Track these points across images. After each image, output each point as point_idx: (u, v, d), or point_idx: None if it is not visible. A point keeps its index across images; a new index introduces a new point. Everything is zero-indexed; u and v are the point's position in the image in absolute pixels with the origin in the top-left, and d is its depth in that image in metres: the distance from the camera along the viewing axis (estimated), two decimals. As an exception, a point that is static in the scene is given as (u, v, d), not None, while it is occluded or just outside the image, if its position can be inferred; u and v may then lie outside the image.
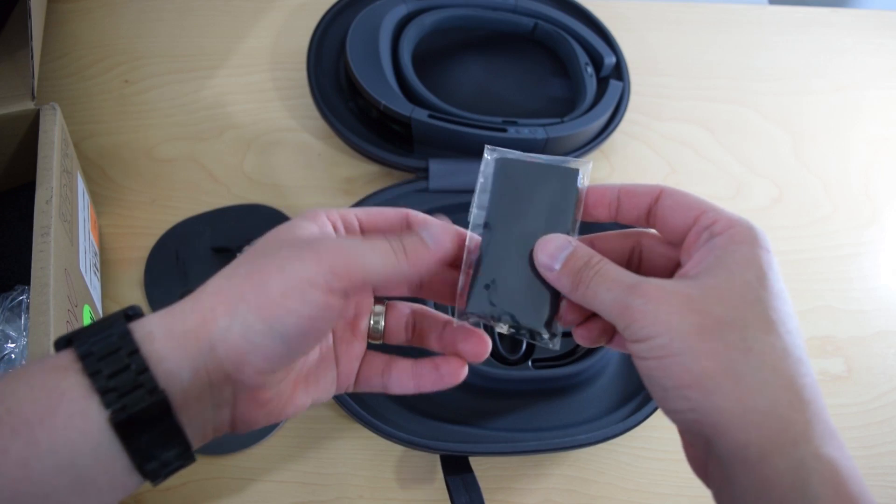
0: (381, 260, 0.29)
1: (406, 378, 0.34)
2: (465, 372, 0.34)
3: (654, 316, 0.28)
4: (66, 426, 0.24)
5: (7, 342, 0.48)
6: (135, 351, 0.25)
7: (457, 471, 0.49)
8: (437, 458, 0.51)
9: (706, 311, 0.27)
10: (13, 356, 0.48)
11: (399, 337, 0.35)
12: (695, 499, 0.53)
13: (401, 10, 0.66)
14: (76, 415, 0.24)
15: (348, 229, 0.32)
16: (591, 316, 0.32)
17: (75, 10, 0.71)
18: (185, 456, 0.27)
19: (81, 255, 0.50)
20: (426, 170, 0.61)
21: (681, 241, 0.31)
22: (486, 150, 0.34)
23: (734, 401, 0.26)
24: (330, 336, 0.34)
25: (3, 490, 0.23)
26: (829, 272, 0.65)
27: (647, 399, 0.53)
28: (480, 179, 0.33)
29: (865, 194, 0.70)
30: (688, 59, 0.76)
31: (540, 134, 0.61)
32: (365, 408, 0.50)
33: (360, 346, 0.35)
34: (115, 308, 0.56)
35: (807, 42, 0.79)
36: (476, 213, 0.33)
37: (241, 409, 0.29)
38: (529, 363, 0.53)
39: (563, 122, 0.62)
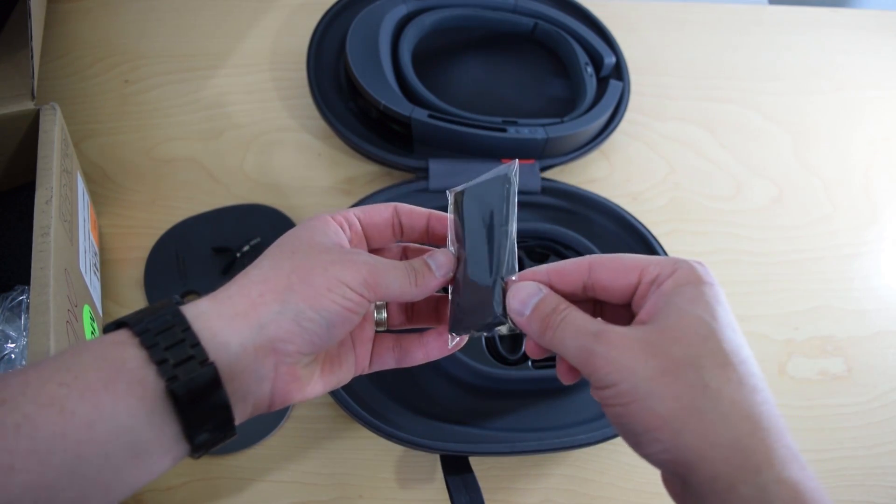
0: (398, 282, 0.33)
1: (415, 349, 0.37)
2: (465, 338, 0.36)
3: (616, 362, 0.29)
4: (127, 392, 0.26)
5: (7, 342, 0.48)
6: (187, 328, 0.28)
7: (457, 471, 0.49)
8: (437, 458, 0.51)
9: (664, 354, 0.29)
10: (13, 356, 0.48)
11: (400, 320, 0.39)
12: (695, 499, 0.53)
13: (401, 10, 0.66)
14: (135, 382, 0.26)
15: (352, 229, 0.35)
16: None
17: (75, 10, 0.71)
18: (227, 427, 0.29)
19: (81, 255, 0.50)
20: (426, 170, 0.61)
21: (628, 301, 0.33)
22: (447, 194, 0.37)
23: (700, 437, 0.28)
24: None
25: (69, 449, 0.25)
26: (829, 272, 0.65)
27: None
28: (450, 216, 0.36)
29: (865, 194, 0.70)
30: (688, 59, 0.76)
31: (540, 134, 0.61)
32: (365, 408, 0.50)
33: (370, 329, 0.37)
34: (115, 308, 0.56)
35: (807, 42, 0.79)
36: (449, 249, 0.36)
37: (279, 384, 0.31)
38: (529, 363, 0.53)
39: (563, 122, 0.62)
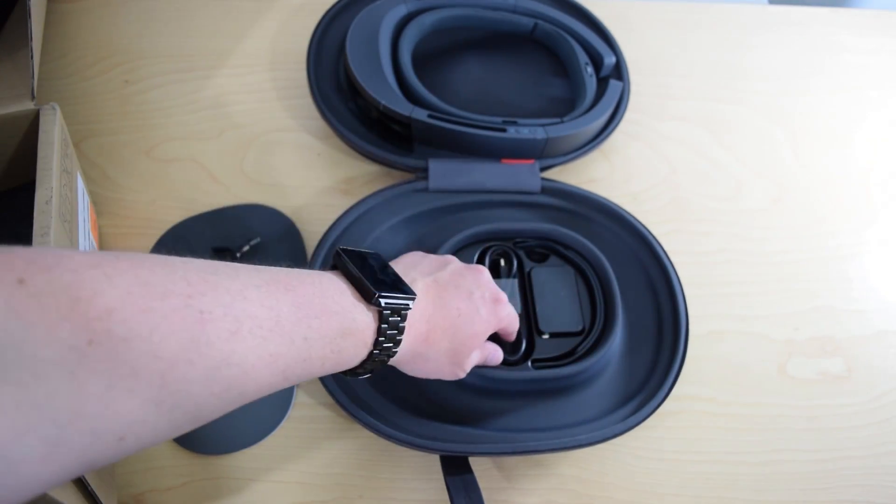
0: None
1: None
2: None
3: None
4: (355, 352, 0.38)
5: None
6: (401, 338, 0.39)
7: (457, 471, 0.49)
8: (437, 458, 0.51)
9: None
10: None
11: None
12: (695, 498, 0.53)
13: (401, 10, 0.66)
14: (360, 352, 0.38)
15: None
16: None
17: (75, 10, 0.71)
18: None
19: (81, 255, 0.49)
20: (426, 170, 0.61)
21: None
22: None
23: None
24: None
25: (328, 359, 0.36)
26: (830, 272, 0.65)
27: (648, 399, 0.53)
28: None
29: (865, 194, 0.70)
30: (688, 59, 0.76)
31: (540, 134, 0.61)
32: (365, 408, 0.50)
33: None
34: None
35: (807, 42, 0.79)
36: None
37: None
38: (529, 363, 0.53)
39: (563, 121, 0.62)
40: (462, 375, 0.45)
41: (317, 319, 0.35)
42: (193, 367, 0.28)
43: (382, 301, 0.38)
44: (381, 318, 0.38)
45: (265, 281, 0.33)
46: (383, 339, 0.38)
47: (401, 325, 0.39)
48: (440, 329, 0.42)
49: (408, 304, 0.39)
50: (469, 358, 0.45)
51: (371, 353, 0.38)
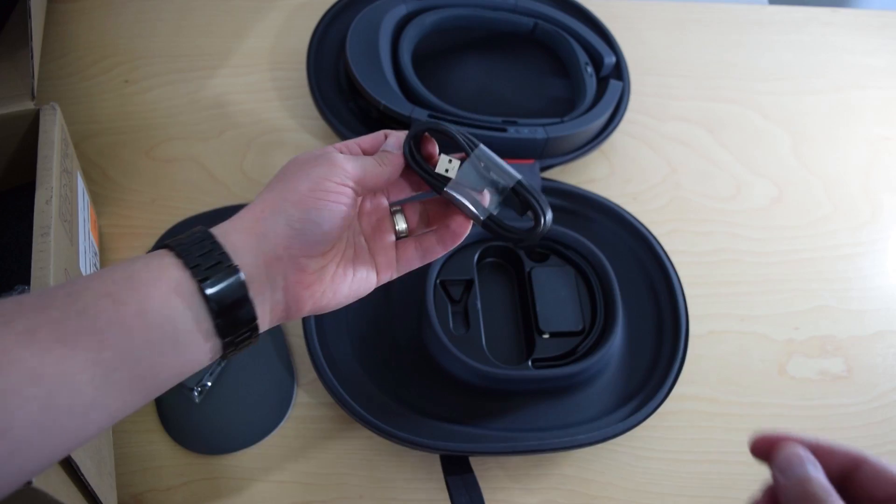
0: (372, 166, 0.38)
1: (433, 243, 0.42)
2: (469, 224, 0.42)
3: None
4: (169, 290, 0.31)
5: (7, 342, 0.48)
6: (214, 241, 0.33)
7: (457, 471, 0.49)
8: (437, 458, 0.51)
9: None
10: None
11: (418, 226, 0.43)
12: (695, 498, 0.53)
13: (401, 10, 0.66)
14: (174, 281, 0.31)
15: (352, 153, 0.39)
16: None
17: (75, 10, 0.71)
18: (253, 327, 0.34)
19: (81, 255, 0.50)
20: (426, 170, 0.61)
21: None
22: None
23: None
24: (362, 238, 0.41)
25: (122, 333, 0.29)
26: (829, 272, 0.65)
27: (647, 399, 0.53)
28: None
29: (865, 194, 0.70)
30: (688, 59, 0.76)
31: (540, 134, 0.61)
32: (365, 408, 0.50)
33: (388, 237, 0.42)
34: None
35: (807, 42, 0.79)
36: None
37: (291, 290, 0.35)
38: (529, 363, 0.53)
39: (563, 121, 0.62)
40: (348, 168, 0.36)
41: (97, 280, 0.30)
42: None
43: (170, 243, 0.33)
44: (183, 242, 0.33)
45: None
46: (195, 242, 0.33)
47: (210, 233, 0.34)
48: (276, 187, 0.36)
49: (206, 229, 0.34)
50: (327, 163, 0.36)
51: (198, 266, 0.32)
